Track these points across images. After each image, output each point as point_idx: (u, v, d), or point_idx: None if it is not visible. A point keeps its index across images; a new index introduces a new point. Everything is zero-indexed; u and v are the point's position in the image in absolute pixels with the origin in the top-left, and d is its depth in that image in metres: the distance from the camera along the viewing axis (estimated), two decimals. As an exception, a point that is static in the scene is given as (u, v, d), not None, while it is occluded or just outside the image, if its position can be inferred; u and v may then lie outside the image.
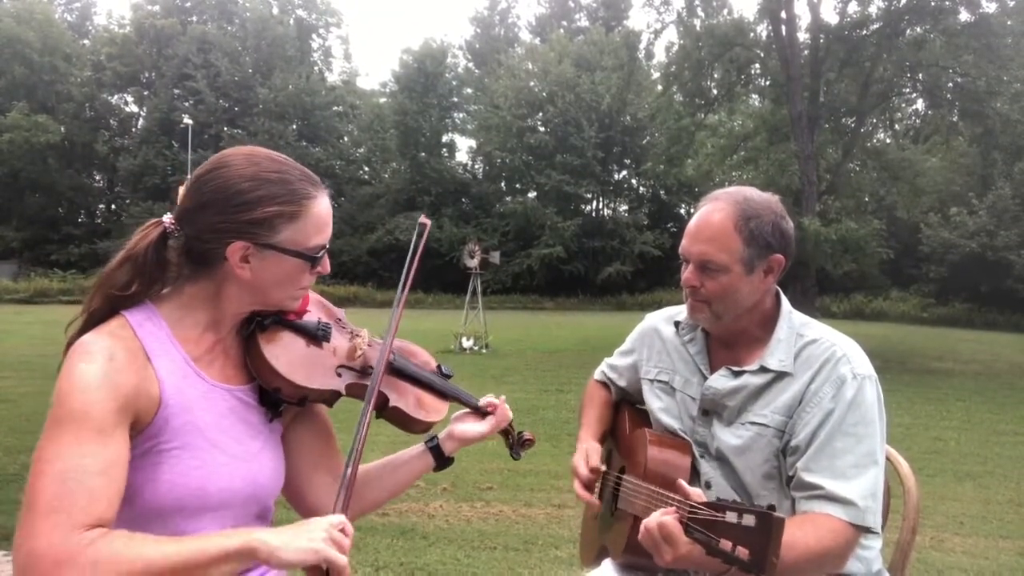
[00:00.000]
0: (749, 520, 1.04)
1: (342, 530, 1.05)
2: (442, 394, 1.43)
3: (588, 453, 1.65)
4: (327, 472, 1.36)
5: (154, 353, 1.11)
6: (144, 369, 1.09)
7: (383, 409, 1.33)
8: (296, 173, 1.18)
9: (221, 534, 1.03)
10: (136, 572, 0.95)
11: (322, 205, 1.19)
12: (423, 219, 1.39)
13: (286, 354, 1.22)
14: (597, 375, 1.93)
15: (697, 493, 1.19)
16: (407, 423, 1.36)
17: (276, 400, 1.23)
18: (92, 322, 1.13)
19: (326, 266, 1.23)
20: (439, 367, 1.46)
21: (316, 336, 1.27)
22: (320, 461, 1.36)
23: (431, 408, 1.39)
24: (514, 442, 1.55)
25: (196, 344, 1.17)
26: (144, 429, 1.08)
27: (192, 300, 1.18)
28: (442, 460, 1.44)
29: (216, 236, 1.13)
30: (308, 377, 1.22)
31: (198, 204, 1.15)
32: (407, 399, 1.36)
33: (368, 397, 1.22)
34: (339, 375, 1.27)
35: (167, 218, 1.18)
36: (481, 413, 1.47)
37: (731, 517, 1.06)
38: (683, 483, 1.22)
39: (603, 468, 1.66)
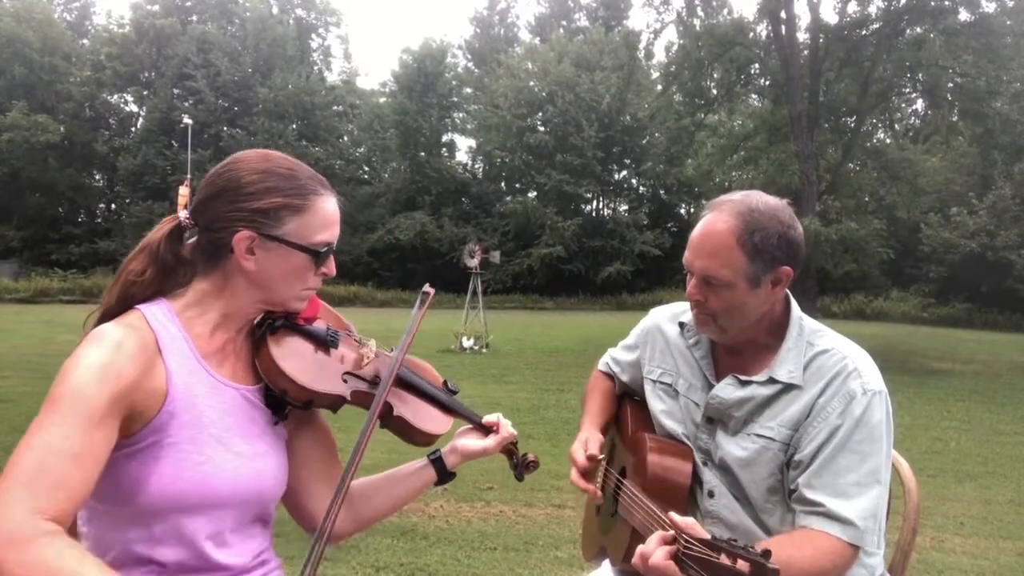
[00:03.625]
0: (743, 566, 0.98)
1: None
2: (446, 409, 1.43)
3: (588, 442, 1.62)
4: (327, 483, 1.35)
5: (166, 346, 1.13)
6: (153, 361, 1.10)
7: (387, 418, 1.33)
8: (307, 173, 1.24)
9: None
10: None
11: (329, 204, 1.23)
12: (427, 288, 1.39)
13: (294, 356, 1.24)
14: (601, 365, 1.90)
15: (691, 525, 1.14)
16: (410, 433, 1.36)
17: (282, 402, 1.24)
18: (108, 315, 1.16)
19: (332, 268, 1.26)
20: (445, 383, 1.47)
21: (325, 342, 1.29)
22: (321, 471, 1.35)
23: (435, 421, 1.39)
24: (518, 463, 1.53)
25: (207, 342, 1.19)
26: (149, 422, 1.09)
27: (204, 296, 1.20)
28: (444, 474, 1.44)
29: (224, 225, 1.17)
30: (314, 380, 1.23)
31: (209, 195, 1.20)
32: (411, 410, 1.36)
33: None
34: (345, 381, 1.28)
35: (183, 214, 1.23)
36: (485, 430, 1.48)
37: (725, 560, 1.00)
38: (675, 516, 1.17)
39: (602, 458, 1.62)
